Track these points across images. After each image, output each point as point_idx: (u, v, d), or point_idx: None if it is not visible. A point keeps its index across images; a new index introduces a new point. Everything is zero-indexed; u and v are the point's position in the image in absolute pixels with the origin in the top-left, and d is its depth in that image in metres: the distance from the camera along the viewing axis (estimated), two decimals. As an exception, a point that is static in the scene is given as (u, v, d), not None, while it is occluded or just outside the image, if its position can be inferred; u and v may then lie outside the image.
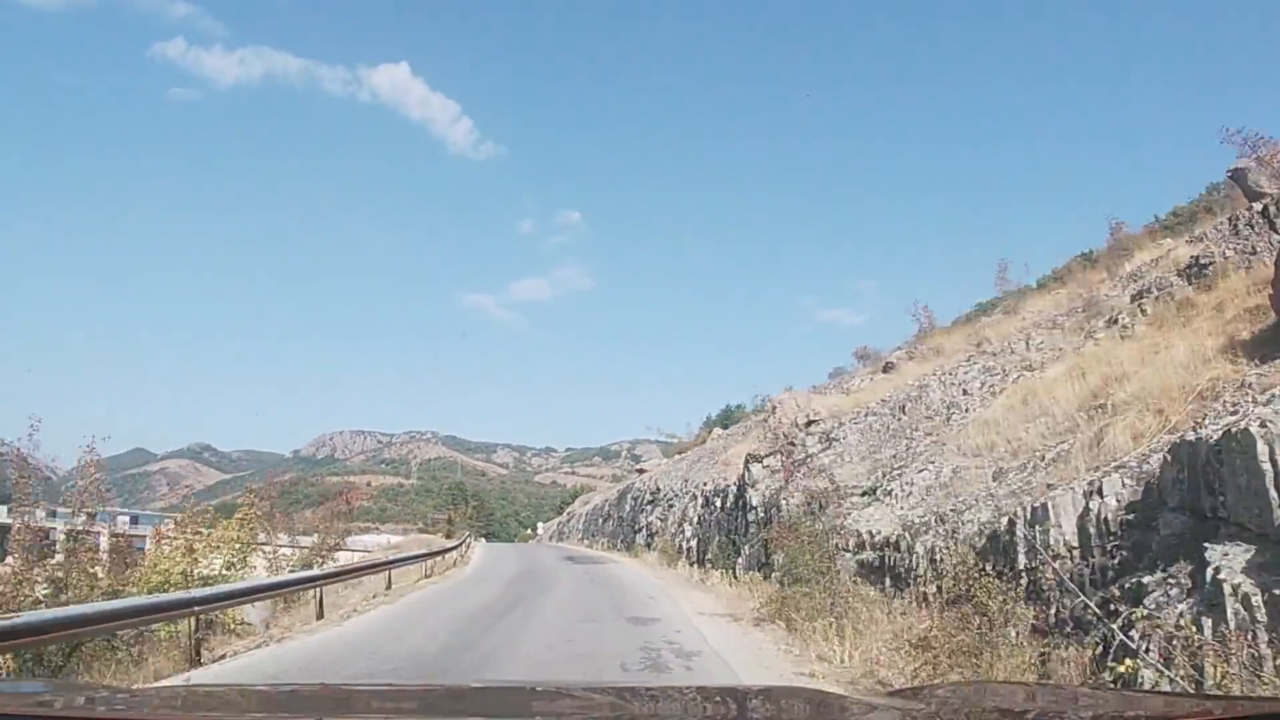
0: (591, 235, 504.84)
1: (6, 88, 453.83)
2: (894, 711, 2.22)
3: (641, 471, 50.31)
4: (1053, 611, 7.21)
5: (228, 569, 15.87)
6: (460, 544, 33.17)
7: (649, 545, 31.05)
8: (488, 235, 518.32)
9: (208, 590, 11.32)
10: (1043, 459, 10.25)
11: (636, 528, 35.96)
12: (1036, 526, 7.76)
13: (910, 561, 10.45)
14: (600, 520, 48.21)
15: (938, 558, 9.73)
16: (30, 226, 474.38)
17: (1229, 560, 5.47)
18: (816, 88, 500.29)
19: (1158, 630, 5.55)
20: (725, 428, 48.88)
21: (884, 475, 14.06)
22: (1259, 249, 13.03)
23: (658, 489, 35.93)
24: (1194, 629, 5.23)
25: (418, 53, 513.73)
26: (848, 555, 12.15)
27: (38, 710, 1.93)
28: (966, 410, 15.05)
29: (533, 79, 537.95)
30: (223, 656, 10.16)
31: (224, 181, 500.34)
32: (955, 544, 9.43)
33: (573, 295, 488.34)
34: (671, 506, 31.37)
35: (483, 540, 54.59)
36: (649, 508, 35.52)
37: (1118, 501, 7.23)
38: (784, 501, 16.15)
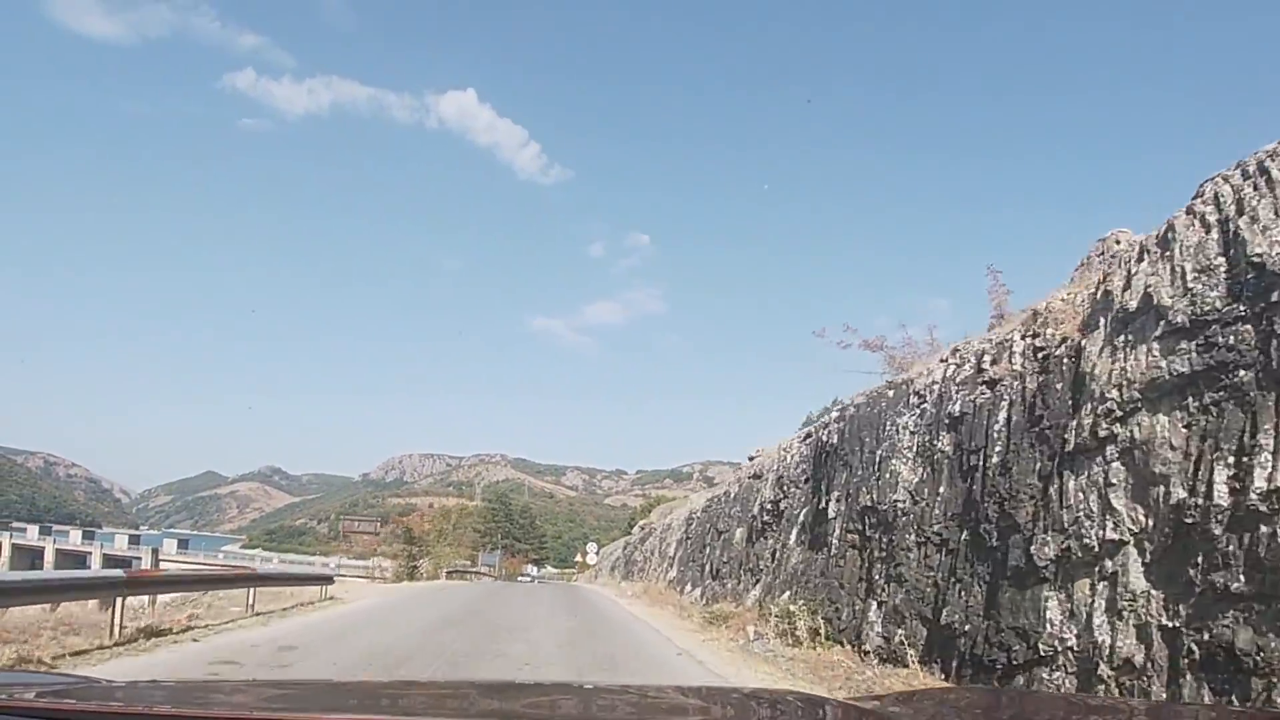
0: (661, 257, 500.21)
1: (82, 121, 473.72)
2: (884, 715, 2.23)
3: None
4: None
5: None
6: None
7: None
8: (557, 259, 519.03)
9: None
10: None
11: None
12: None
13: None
14: (707, 541, 25.38)
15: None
16: (110, 254, 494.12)
17: None
18: (883, 99, 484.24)
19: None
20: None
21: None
22: None
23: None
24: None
25: (484, 79, 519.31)
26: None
27: (32, 704, 1.79)
28: None
29: (599, 102, 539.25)
30: None
31: (294, 211, 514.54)
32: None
33: (643, 318, 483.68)
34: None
35: (476, 577, 46.55)
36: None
37: None
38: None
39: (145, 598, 12.28)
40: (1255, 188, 5.99)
